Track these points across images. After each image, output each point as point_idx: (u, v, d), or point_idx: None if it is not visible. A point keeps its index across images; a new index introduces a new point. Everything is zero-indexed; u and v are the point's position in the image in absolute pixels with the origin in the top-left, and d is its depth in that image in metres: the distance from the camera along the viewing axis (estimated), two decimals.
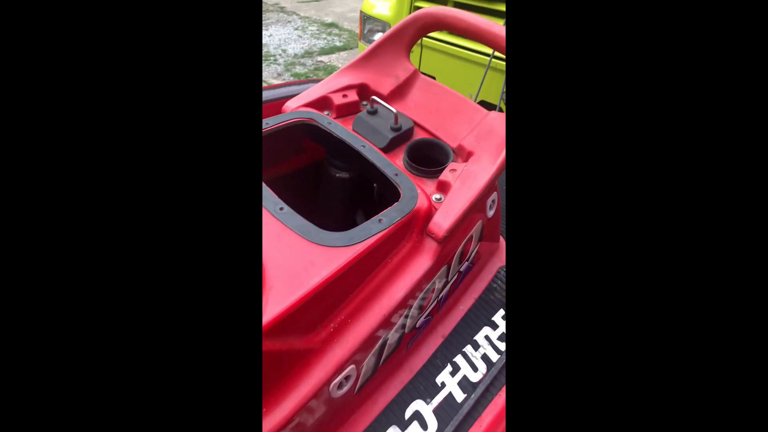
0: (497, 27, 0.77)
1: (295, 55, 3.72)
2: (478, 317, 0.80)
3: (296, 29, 4.37)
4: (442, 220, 0.64)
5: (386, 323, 0.61)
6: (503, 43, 0.76)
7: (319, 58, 3.70)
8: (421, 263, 0.64)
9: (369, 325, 0.58)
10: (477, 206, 0.71)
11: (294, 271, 0.53)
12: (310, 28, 4.44)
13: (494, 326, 0.79)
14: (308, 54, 3.76)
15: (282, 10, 4.95)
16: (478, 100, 1.65)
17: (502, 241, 0.94)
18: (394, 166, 0.71)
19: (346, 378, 0.58)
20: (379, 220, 0.61)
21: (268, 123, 0.75)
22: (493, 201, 0.77)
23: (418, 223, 0.65)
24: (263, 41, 3.91)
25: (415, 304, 0.65)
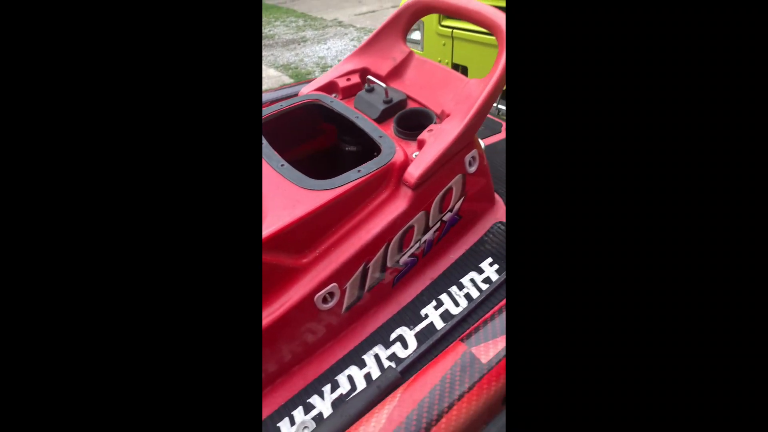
0: (480, 5, 0.86)
1: None
2: (467, 264, 0.89)
3: (352, 40, 4.66)
4: (414, 170, 0.76)
5: (365, 253, 0.73)
6: (487, 20, 0.84)
7: None
8: (397, 206, 0.76)
9: (348, 252, 0.72)
10: (452, 160, 0.81)
11: (286, 206, 0.68)
12: (364, 38, 4.71)
13: (480, 271, 0.87)
14: None
15: (340, 24, 5.30)
16: None
17: (500, 201, 1.01)
18: (380, 130, 0.84)
19: (330, 294, 0.71)
20: (358, 170, 0.74)
21: (282, 105, 0.93)
22: (473, 158, 0.86)
23: (394, 174, 0.77)
24: (322, 54, 4.24)
25: (395, 240, 0.77)
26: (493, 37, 1.73)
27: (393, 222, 0.75)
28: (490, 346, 0.62)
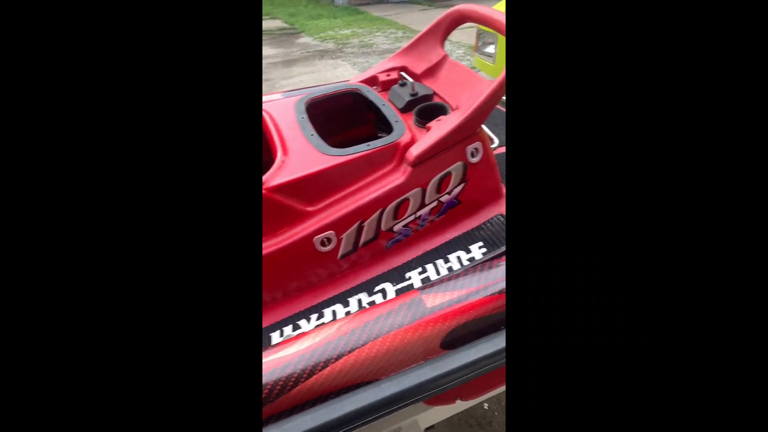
0: (504, 17, 0.97)
1: None
2: (458, 244, 0.99)
3: None
4: (414, 150, 0.89)
5: (361, 212, 0.88)
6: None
7: None
8: (395, 178, 0.90)
9: (348, 209, 0.88)
10: (454, 148, 0.93)
11: (303, 163, 0.87)
12: (457, 51, 4.84)
13: (468, 251, 0.97)
14: None
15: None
16: None
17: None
18: (398, 117, 0.99)
19: (328, 239, 0.88)
20: (368, 145, 0.90)
21: (325, 91, 1.12)
22: (476, 149, 0.96)
23: (399, 152, 0.92)
24: None
25: (390, 207, 0.91)
26: None
27: (389, 191, 0.89)
28: (438, 296, 0.73)
